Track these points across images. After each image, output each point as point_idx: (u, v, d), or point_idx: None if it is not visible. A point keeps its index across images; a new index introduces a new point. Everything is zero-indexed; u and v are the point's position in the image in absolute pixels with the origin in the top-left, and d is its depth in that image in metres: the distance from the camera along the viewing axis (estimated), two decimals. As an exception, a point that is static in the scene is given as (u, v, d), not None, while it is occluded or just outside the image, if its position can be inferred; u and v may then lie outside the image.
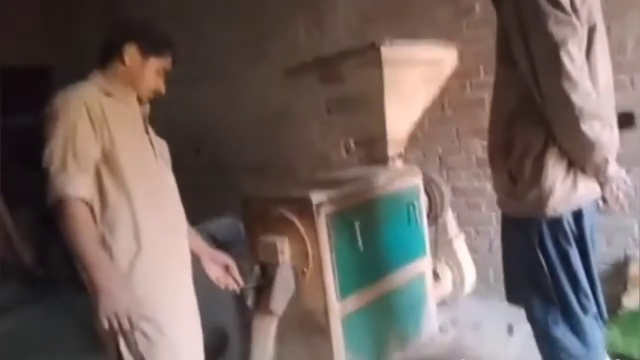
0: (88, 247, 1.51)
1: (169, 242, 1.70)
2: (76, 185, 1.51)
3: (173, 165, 1.87)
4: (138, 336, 1.58)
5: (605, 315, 1.91)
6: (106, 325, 1.50)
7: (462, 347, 2.75)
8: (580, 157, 1.68)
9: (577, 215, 1.76)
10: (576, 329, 1.85)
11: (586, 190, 1.72)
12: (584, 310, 1.83)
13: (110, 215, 1.58)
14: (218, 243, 2.00)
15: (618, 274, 2.94)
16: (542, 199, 1.72)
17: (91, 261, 1.50)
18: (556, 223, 1.75)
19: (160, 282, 1.64)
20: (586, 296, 1.81)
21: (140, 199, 1.61)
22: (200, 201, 3.07)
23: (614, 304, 2.69)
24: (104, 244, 1.56)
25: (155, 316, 1.60)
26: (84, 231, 1.52)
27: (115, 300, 1.49)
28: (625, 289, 2.88)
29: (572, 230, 1.76)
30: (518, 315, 2.84)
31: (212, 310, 2.37)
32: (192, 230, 1.89)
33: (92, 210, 1.56)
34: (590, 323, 1.88)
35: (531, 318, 1.90)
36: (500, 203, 1.97)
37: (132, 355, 1.59)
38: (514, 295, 2.03)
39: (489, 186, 3.30)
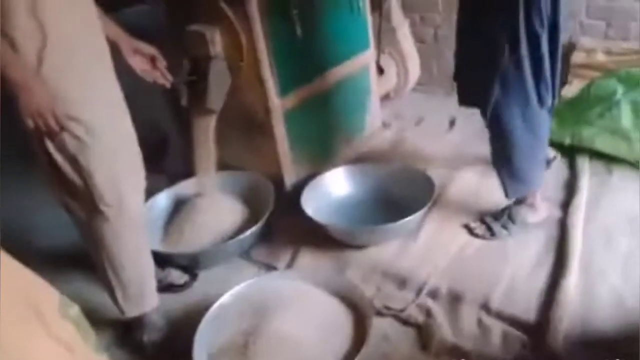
0: None
1: (79, 29, 1.44)
2: None
3: None
4: (67, 138, 1.43)
5: (555, 102, 1.88)
6: (31, 124, 1.36)
7: (404, 140, 2.74)
8: None
9: None
10: (531, 121, 1.82)
11: None
12: (542, 102, 1.78)
13: None
14: (136, 34, 1.72)
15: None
16: None
17: None
18: (533, 2, 1.61)
19: (77, 77, 1.43)
20: (546, 87, 1.76)
21: None
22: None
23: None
24: (3, 32, 1.32)
25: (81, 116, 1.44)
26: None
27: (34, 96, 1.34)
28: (566, 78, 2.88)
29: (546, 12, 1.63)
30: (459, 111, 2.85)
31: (145, 110, 2.18)
32: (104, 16, 1.60)
33: None
34: (544, 116, 1.85)
35: (485, 111, 1.83)
36: None
37: (64, 157, 1.46)
38: (467, 92, 1.94)
39: (436, -32, 3.02)
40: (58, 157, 1.46)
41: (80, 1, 1.47)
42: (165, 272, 2.01)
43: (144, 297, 1.72)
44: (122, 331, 1.84)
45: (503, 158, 1.91)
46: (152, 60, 1.73)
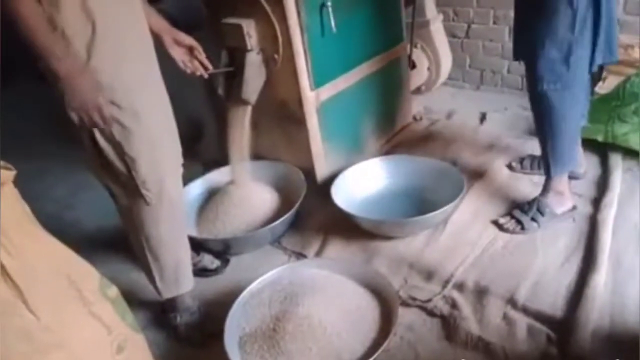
0: (37, 31, 1.30)
1: (125, 18, 1.48)
2: None
3: None
4: (114, 125, 1.47)
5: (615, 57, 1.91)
6: (76, 120, 1.40)
7: (435, 134, 2.75)
8: None
9: None
10: (574, 90, 1.84)
11: None
12: (591, 66, 1.83)
13: None
14: (177, 25, 1.77)
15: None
16: None
17: (44, 47, 1.31)
18: None
19: (123, 66, 1.47)
20: (601, 47, 1.79)
21: None
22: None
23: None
24: (54, 25, 1.34)
25: (126, 103, 1.48)
26: (29, 12, 1.29)
27: (79, 91, 1.36)
28: (600, 75, 2.84)
29: None
30: (490, 104, 2.84)
31: (183, 99, 2.24)
32: (148, 7, 1.65)
33: None
34: (586, 85, 1.89)
35: (532, 74, 1.85)
36: None
37: (109, 143, 1.50)
38: (520, 48, 1.97)
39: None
40: (103, 143, 1.50)
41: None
42: (199, 256, 2.07)
43: (179, 280, 1.78)
44: (158, 312, 1.91)
45: (549, 132, 1.92)
46: (191, 50, 1.78)
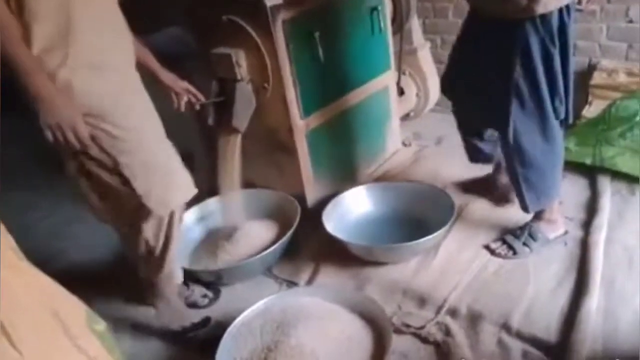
0: (9, 43, 1.28)
1: (109, 41, 1.49)
2: None
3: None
4: (105, 138, 1.46)
5: (572, 120, 1.91)
6: (50, 137, 1.37)
7: (424, 160, 2.76)
8: None
9: (563, 13, 1.67)
10: (548, 135, 1.85)
11: None
12: (556, 115, 1.81)
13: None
14: (165, 58, 1.79)
15: (580, 83, 2.90)
16: None
17: (20, 64, 1.30)
18: (543, 22, 1.66)
19: (107, 84, 1.46)
20: (560, 101, 1.78)
21: None
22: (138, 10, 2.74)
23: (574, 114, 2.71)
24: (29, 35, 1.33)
25: (114, 120, 1.47)
26: (5, 29, 1.28)
27: (55, 108, 1.33)
28: (586, 99, 2.89)
29: (556, 31, 1.68)
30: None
31: (174, 130, 2.24)
32: (140, 45, 1.67)
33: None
34: (558, 129, 1.87)
35: (505, 131, 1.85)
36: (481, 6, 1.82)
37: (97, 163, 1.50)
38: (482, 117, 1.99)
39: (456, -10, 3.07)
40: (92, 166, 1.50)
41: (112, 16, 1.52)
42: (189, 290, 2.05)
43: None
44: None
45: (522, 174, 1.92)
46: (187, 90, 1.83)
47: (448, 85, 2.17)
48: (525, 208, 1.99)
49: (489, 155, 2.25)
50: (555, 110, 1.81)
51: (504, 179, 2.20)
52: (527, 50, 1.69)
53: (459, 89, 2.06)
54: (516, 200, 2.04)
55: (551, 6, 1.62)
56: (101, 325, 1.27)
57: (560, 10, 1.67)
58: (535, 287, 1.85)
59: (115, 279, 2.22)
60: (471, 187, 2.44)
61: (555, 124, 1.84)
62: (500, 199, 2.31)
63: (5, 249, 1.11)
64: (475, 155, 2.26)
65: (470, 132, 2.20)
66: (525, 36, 1.68)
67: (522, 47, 1.69)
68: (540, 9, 1.62)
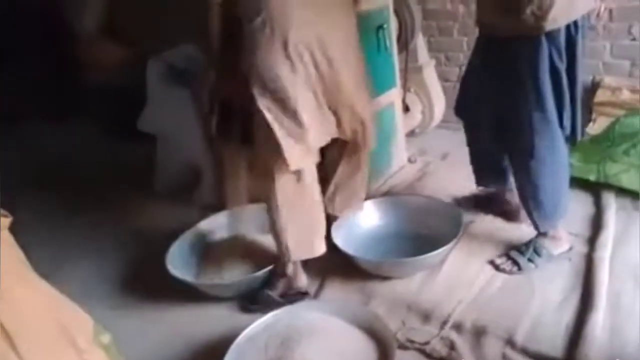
0: None
1: None
2: None
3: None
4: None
5: (580, 136, 1.92)
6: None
7: (430, 175, 2.78)
8: None
9: (571, 29, 1.69)
10: (557, 153, 1.86)
11: (584, 1, 1.63)
12: (564, 131, 1.82)
13: None
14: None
15: (584, 101, 2.91)
16: (543, 10, 1.61)
17: None
18: (552, 38, 1.67)
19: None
20: (568, 117, 1.79)
21: None
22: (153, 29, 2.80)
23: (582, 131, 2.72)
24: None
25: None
26: None
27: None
28: (590, 116, 2.90)
29: (564, 46, 1.69)
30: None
31: (182, 145, 2.26)
32: None
33: None
34: (564, 146, 1.89)
35: (531, 151, 1.86)
36: (489, 24, 1.85)
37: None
38: (493, 134, 2.00)
39: (461, 9, 3.10)
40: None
41: None
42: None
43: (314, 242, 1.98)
44: None
45: (532, 193, 1.93)
46: None
47: (463, 109, 2.19)
48: (536, 227, 2.00)
49: (496, 181, 2.28)
50: (562, 126, 1.82)
51: (513, 196, 2.21)
52: (535, 66, 1.71)
53: (474, 112, 2.08)
54: (524, 218, 2.05)
55: (561, 22, 1.64)
56: (106, 337, 1.28)
57: (568, 26, 1.69)
58: (541, 302, 1.85)
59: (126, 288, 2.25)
60: (478, 202, 2.45)
61: (562, 141, 1.86)
62: (509, 216, 2.31)
63: (16, 262, 1.13)
64: (482, 179, 2.30)
65: (481, 153, 2.21)
66: (534, 52, 1.70)
67: (531, 63, 1.71)
68: (549, 25, 1.63)
